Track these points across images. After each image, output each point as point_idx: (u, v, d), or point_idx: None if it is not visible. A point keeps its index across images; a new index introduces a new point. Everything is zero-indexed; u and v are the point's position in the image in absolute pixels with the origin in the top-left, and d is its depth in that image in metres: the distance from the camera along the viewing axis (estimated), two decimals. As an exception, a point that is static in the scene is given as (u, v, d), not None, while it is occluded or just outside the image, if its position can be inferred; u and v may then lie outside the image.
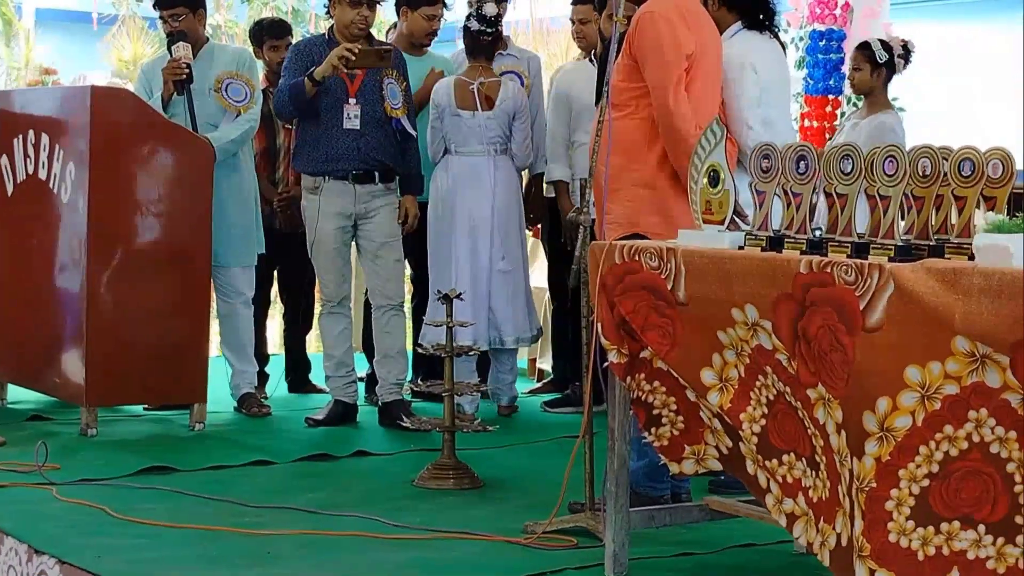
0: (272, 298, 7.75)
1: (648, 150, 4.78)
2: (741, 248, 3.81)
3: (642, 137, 4.80)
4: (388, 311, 6.52)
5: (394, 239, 6.51)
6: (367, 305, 6.77)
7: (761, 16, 5.14)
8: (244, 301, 6.77)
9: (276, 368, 7.48)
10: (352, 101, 6.32)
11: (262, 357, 7.22)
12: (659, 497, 4.66)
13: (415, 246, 6.81)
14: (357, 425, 6.56)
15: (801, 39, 9.41)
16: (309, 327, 7.75)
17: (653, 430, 4.12)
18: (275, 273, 7.49)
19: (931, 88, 11.46)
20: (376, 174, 6.40)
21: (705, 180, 3.98)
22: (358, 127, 6.33)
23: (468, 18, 6.78)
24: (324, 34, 6.62)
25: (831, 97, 9.22)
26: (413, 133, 6.49)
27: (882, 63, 6.77)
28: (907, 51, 6.87)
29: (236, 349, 6.81)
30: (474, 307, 6.56)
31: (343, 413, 6.55)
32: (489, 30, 6.72)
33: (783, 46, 5.42)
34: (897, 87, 10.20)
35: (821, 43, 9.25)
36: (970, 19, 12.40)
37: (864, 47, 6.93)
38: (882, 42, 6.93)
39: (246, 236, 6.73)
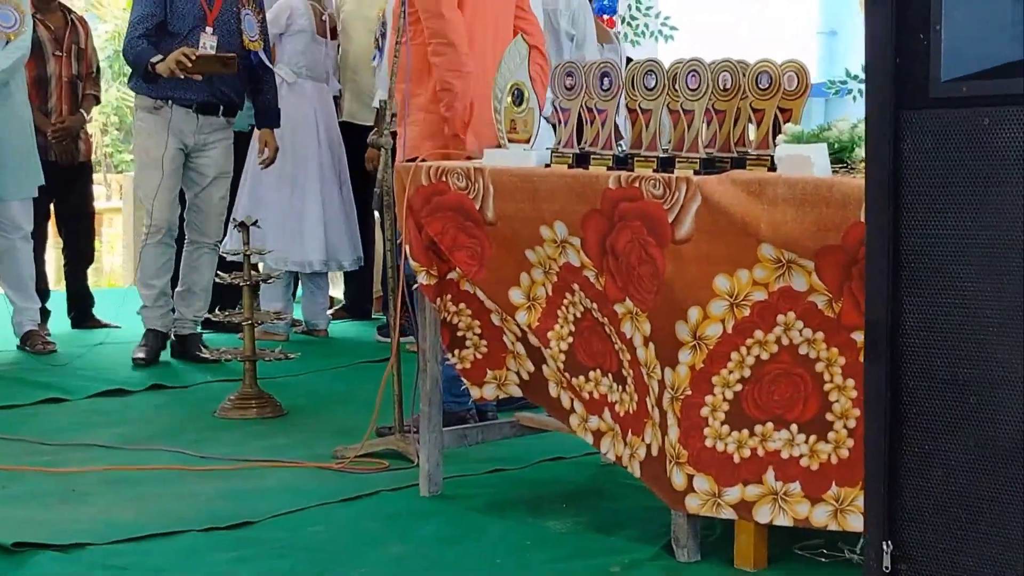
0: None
1: (428, 76, 4.74)
2: (548, 166, 3.84)
3: (422, 63, 4.77)
4: (201, 247, 6.35)
5: (224, 176, 6.33)
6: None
7: None
8: (24, 236, 6.54)
9: (57, 304, 7.25)
10: (209, 30, 6.10)
11: (42, 293, 6.98)
12: (464, 411, 4.69)
13: None
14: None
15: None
16: (90, 261, 7.53)
17: (456, 352, 4.13)
18: (52, 207, 7.24)
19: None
20: (221, 107, 6.21)
21: (509, 99, 3.99)
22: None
23: None
24: None
25: (605, 17, 9.36)
26: (271, 66, 6.34)
27: None
28: None
29: (17, 286, 6.59)
30: (317, 232, 6.67)
31: (160, 343, 6.37)
32: None
33: None
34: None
35: (594, -39, 9.35)
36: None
37: None
38: None
39: (23, 168, 6.46)
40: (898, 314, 2.24)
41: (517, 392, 4.10)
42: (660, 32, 11.36)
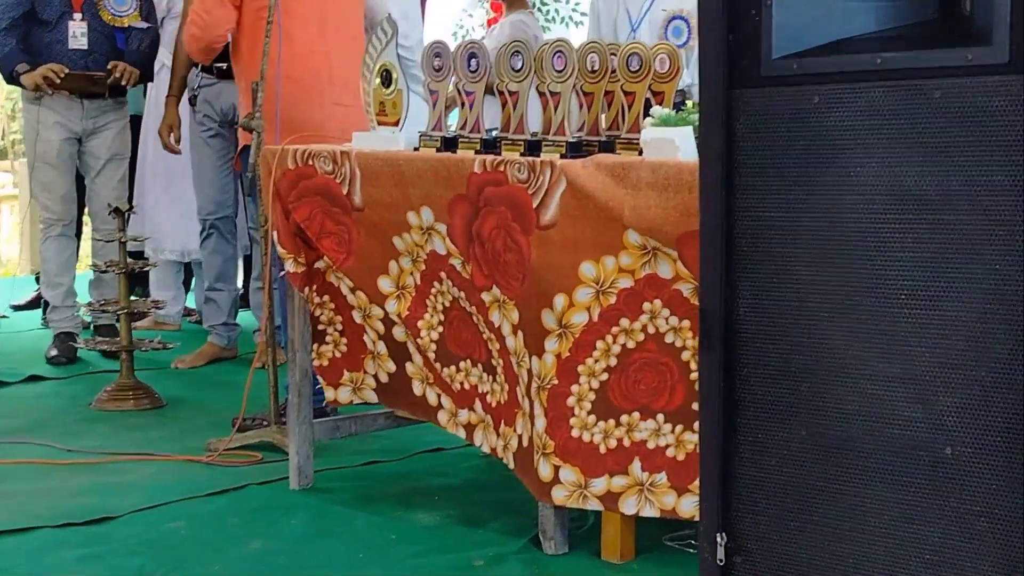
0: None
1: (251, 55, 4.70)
2: (416, 149, 3.74)
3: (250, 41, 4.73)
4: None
5: (118, 158, 6.05)
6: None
7: None
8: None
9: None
10: (77, 17, 5.86)
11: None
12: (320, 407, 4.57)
13: None
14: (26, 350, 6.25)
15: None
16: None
17: (316, 347, 4.01)
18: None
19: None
20: (106, 90, 5.91)
21: (378, 80, 3.89)
22: (86, 46, 5.87)
23: None
24: None
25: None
26: (147, 25, 6.06)
27: None
28: None
29: None
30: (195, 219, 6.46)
31: (73, 343, 5.99)
32: None
33: None
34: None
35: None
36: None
37: None
38: None
39: None
40: (732, 301, 2.16)
41: (373, 398, 3.97)
42: (571, 18, 11.31)
